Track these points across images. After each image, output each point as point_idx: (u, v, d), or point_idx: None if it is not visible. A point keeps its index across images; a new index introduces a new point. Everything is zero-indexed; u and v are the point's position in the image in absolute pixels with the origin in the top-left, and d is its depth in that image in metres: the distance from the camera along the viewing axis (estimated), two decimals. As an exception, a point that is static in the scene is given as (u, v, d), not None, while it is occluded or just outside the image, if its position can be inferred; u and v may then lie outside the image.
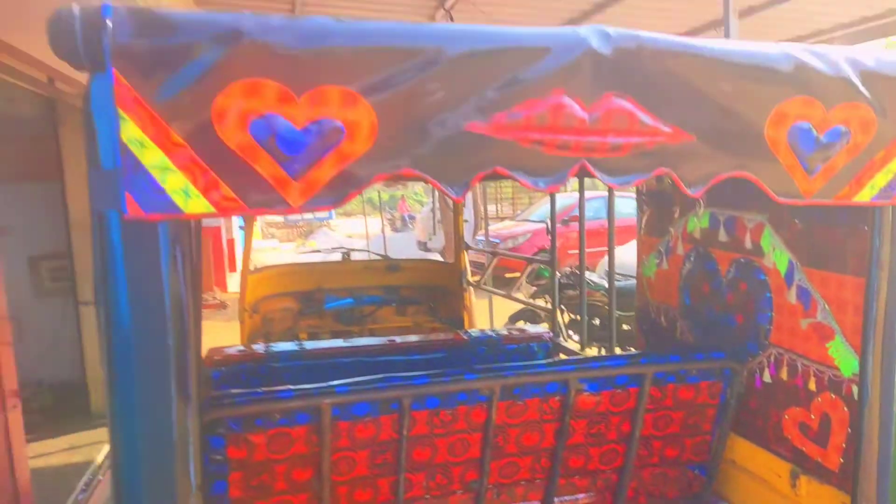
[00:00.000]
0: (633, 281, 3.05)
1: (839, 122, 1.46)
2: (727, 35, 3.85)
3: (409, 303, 4.47)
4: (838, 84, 1.45)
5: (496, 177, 1.47)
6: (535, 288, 7.38)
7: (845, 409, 1.81)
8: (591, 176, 1.37)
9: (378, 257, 5.25)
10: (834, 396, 1.85)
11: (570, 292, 6.71)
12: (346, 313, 4.32)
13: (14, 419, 3.20)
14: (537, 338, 3.16)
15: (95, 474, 4.58)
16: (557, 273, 6.21)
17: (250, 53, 1.10)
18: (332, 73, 1.15)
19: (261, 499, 1.79)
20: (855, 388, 1.77)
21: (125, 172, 1.10)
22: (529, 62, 1.27)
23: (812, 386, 1.93)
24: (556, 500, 2.11)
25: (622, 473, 2.12)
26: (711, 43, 1.38)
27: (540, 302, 6.01)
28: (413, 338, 3.22)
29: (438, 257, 11.21)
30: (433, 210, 14.33)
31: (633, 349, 4.17)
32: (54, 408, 5.43)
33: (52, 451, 4.75)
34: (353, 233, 20.35)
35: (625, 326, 5.91)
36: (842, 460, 1.83)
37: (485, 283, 5.00)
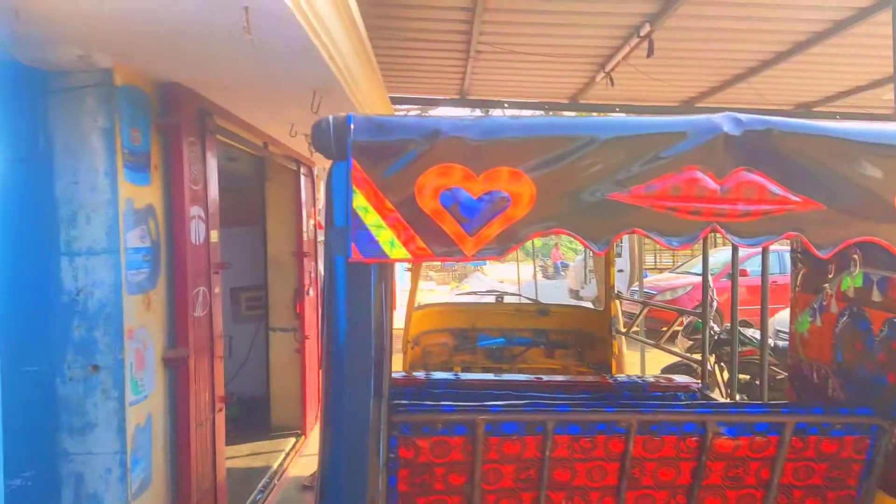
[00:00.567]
0: None
1: None
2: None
3: (558, 346, 4.69)
4: None
5: (638, 234, 1.73)
6: (691, 342, 7.20)
7: None
8: (722, 236, 1.59)
9: (529, 302, 5.55)
10: None
11: (728, 348, 6.48)
12: (497, 352, 4.65)
13: (219, 420, 3.88)
14: (685, 388, 3.25)
15: (273, 478, 5.25)
16: (715, 327, 6.06)
17: (445, 145, 1.49)
18: (503, 157, 1.51)
19: (422, 496, 2.13)
20: None
21: (353, 229, 1.53)
22: (668, 144, 1.54)
23: (965, 448, 1.91)
24: (692, 537, 2.22)
25: None
26: (841, 125, 1.56)
27: (697, 357, 5.91)
28: (559, 377, 3.45)
29: (591, 306, 11.23)
30: (585, 259, 14.35)
31: None
32: (241, 419, 6.21)
33: (237, 456, 5.49)
34: (504, 278, 20.82)
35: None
36: None
37: (635, 333, 5.08)
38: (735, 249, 3.55)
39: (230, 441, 5.63)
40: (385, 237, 1.54)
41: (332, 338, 1.64)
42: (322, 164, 6.84)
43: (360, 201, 1.52)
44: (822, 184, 1.54)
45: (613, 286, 4.61)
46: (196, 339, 3.49)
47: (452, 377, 3.23)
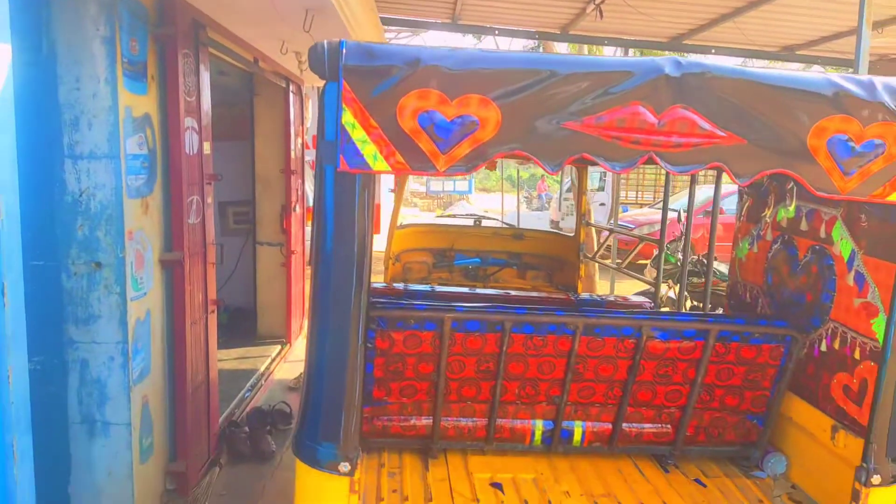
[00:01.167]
0: None
1: (874, 137, 1.81)
2: (859, 44, 3.94)
3: (530, 268, 5.02)
4: (875, 107, 1.80)
5: (583, 161, 1.98)
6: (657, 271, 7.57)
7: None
8: (656, 164, 1.85)
9: (506, 226, 5.84)
10: (872, 364, 2.18)
11: (696, 280, 6.88)
12: (472, 271, 4.97)
13: (212, 321, 4.19)
14: (638, 306, 3.59)
15: (259, 379, 5.65)
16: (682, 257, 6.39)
17: (425, 72, 1.71)
18: (475, 86, 1.73)
19: (394, 381, 2.46)
20: None
21: (341, 142, 1.76)
22: (617, 82, 1.77)
23: (857, 355, 2.27)
24: (624, 424, 2.60)
25: (684, 411, 2.57)
26: (764, 71, 1.79)
27: (664, 287, 6.28)
28: (526, 294, 3.77)
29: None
30: (561, 193, 14.58)
31: None
32: (229, 327, 6.55)
33: (226, 359, 5.81)
34: (489, 208, 21.09)
35: None
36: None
37: (600, 258, 5.41)
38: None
39: (220, 346, 5.99)
40: (369, 151, 1.77)
41: (321, 236, 1.90)
42: (311, 83, 6.90)
43: (348, 118, 1.74)
44: (745, 122, 1.78)
45: (584, 214, 4.90)
46: (190, 244, 3.73)
47: (428, 288, 3.53)
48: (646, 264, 8.23)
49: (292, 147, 6.39)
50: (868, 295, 2.23)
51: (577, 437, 2.60)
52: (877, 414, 2.03)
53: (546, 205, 24.83)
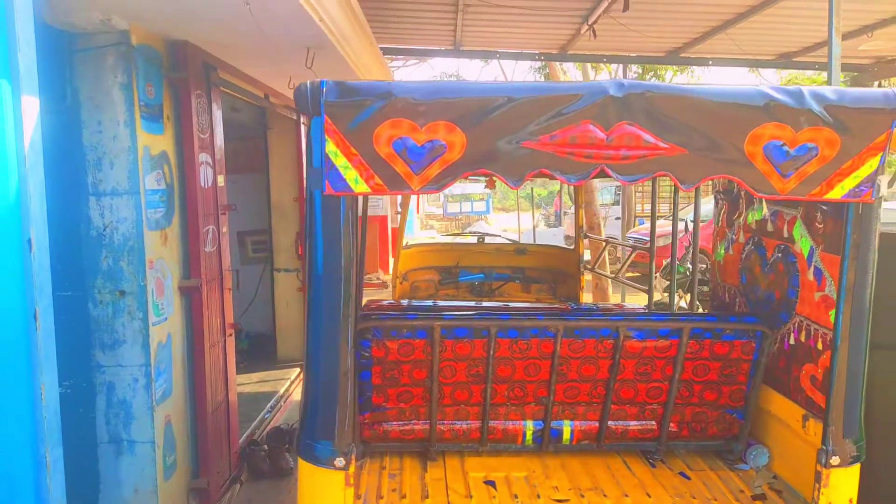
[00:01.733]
0: None
1: (807, 141, 1.99)
2: (830, 55, 4.11)
3: (533, 281, 5.20)
4: (804, 113, 1.98)
5: (542, 176, 2.18)
6: (667, 282, 7.69)
7: None
8: (609, 176, 2.05)
9: (509, 242, 6.04)
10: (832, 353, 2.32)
11: (704, 289, 6.97)
12: (477, 287, 5.16)
13: (230, 344, 4.43)
14: (633, 312, 3.75)
15: (279, 401, 5.87)
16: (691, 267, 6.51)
17: (396, 104, 1.94)
18: (441, 113, 1.96)
19: (392, 388, 2.65)
20: None
21: (326, 169, 1.99)
22: (568, 103, 1.97)
23: (820, 346, 2.41)
24: (610, 422, 2.75)
25: (666, 407, 2.71)
26: (700, 87, 1.99)
27: (676, 297, 6.41)
28: (525, 304, 3.95)
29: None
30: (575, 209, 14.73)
31: None
32: (249, 351, 6.84)
33: (247, 383, 6.09)
34: (508, 227, 21.29)
35: None
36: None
37: (599, 268, 5.57)
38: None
39: (241, 371, 6.23)
40: (351, 175, 2.00)
41: (312, 254, 2.12)
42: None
43: (331, 147, 1.97)
44: (685, 133, 1.98)
45: (582, 227, 5.09)
46: (207, 271, 3.99)
47: (430, 304, 3.74)
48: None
49: (305, 176, 6.66)
50: (826, 288, 2.38)
51: (567, 435, 2.76)
52: (832, 397, 2.17)
53: (561, 221, 24.94)
